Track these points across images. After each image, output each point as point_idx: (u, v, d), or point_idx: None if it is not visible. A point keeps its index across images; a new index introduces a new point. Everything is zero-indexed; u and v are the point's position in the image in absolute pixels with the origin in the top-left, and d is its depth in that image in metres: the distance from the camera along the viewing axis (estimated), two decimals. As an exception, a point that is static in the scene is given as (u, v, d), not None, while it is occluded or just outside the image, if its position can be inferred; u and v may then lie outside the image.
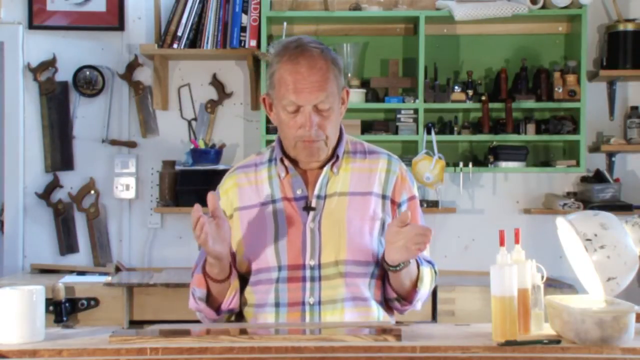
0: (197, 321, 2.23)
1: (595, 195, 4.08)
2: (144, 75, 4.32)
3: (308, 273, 2.12)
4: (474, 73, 4.13)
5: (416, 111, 4.03)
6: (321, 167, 2.18)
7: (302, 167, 2.19)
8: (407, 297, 2.17)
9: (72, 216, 4.30)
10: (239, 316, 2.24)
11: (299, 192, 2.16)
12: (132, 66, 4.29)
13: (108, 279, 3.86)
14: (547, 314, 1.95)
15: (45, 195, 4.28)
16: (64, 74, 4.29)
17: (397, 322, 2.20)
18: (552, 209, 4.11)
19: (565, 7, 4.01)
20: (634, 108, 4.23)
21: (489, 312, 1.89)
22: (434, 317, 3.72)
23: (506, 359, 1.78)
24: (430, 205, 4.10)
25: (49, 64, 4.29)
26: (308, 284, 2.12)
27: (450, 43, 4.25)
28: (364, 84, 4.16)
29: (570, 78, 4.02)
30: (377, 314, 2.17)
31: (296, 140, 2.11)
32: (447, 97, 4.05)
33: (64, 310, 3.63)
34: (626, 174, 4.28)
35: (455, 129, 4.11)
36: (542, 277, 2.02)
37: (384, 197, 2.18)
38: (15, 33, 4.28)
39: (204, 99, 4.33)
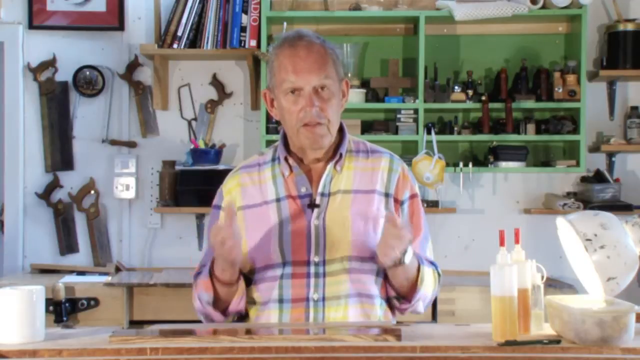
0: (197, 321, 2.23)
1: (595, 195, 4.08)
2: (144, 75, 4.32)
3: (312, 269, 2.13)
4: (474, 73, 4.13)
5: (416, 111, 4.04)
6: (325, 165, 2.19)
7: (307, 160, 2.20)
8: (406, 296, 2.16)
9: (72, 216, 4.30)
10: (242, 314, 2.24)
11: (303, 190, 2.17)
12: (132, 66, 4.29)
13: (108, 279, 3.86)
14: (547, 314, 1.95)
15: (45, 195, 4.28)
16: (64, 74, 4.29)
17: (398, 322, 2.20)
18: (552, 209, 4.11)
19: (565, 7, 4.01)
20: (634, 108, 4.23)
21: (489, 312, 1.89)
22: (434, 317, 3.72)
23: (506, 359, 1.78)
24: (430, 205, 4.10)
25: (49, 64, 4.29)
26: (312, 280, 2.13)
27: (450, 43, 4.25)
28: (364, 84, 4.16)
29: (570, 78, 4.02)
30: (380, 311, 2.17)
31: (298, 125, 2.13)
32: (447, 97, 4.05)
33: (64, 310, 3.63)
34: (626, 174, 4.28)
35: (455, 129, 4.11)
36: (542, 277, 2.02)
37: (387, 195, 2.20)
38: (15, 33, 4.28)
39: (204, 99, 4.33)
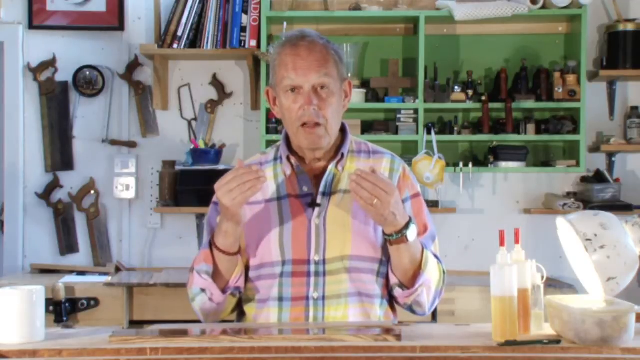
0: (197, 321, 2.23)
1: (595, 195, 4.08)
2: (144, 75, 4.32)
3: (313, 268, 2.13)
4: (474, 73, 4.13)
5: (416, 111, 4.04)
6: (326, 165, 2.19)
7: (307, 159, 2.20)
8: (409, 283, 2.13)
9: (72, 216, 4.30)
10: (240, 313, 2.25)
11: (304, 189, 2.18)
12: (132, 66, 4.29)
13: (108, 279, 3.86)
14: (547, 314, 1.94)
15: (45, 195, 4.28)
16: (64, 74, 4.29)
17: (398, 322, 2.20)
18: (552, 209, 4.11)
19: (565, 7, 4.01)
20: (634, 108, 4.23)
21: (489, 312, 1.89)
22: (434, 317, 3.72)
23: (506, 359, 1.78)
24: (430, 205, 4.08)
25: (49, 64, 4.29)
26: (312, 279, 2.13)
27: (450, 43, 4.25)
28: (364, 84, 4.17)
29: (570, 78, 4.02)
30: (380, 311, 2.17)
31: (298, 125, 2.13)
32: (447, 97, 4.05)
33: (64, 310, 3.63)
34: (626, 174, 4.28)
35: (455, 129, 4.11)
36: (542, 277, 2.02)
37: None
38: (15, 33, 4.28)
39: (204, 99, 4.33)
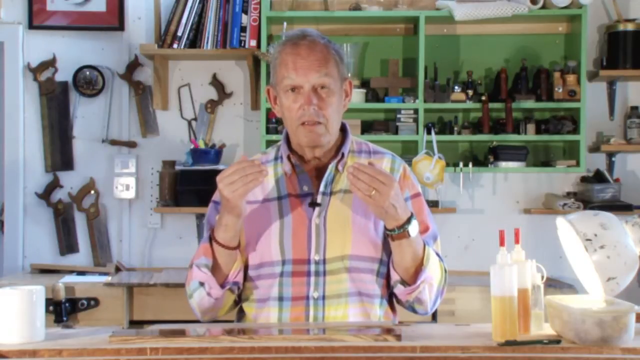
0: (197, 321, 2.23)
1: (595, 195, 4.08)
2: (144, 75, 4.32)
3: (313, 268, 2.13)
4: (474, 73, 4.13)
5: (416, 111, 4.04)
6: (327, 165, 2.19)
7: (307, 159, 2.20)
8: (411, 279, 2.12)
9: (72, 216, 4.30)
10: (240, 312, 2.25)
11: (305, 188, 2.18)
12: (132, 66, 4.29)
13: (108, 279, 3.86)
14: (547, 314, 1.94)
15: (45, 195, 4.28)
16: (64, 74, 4.29)
17: (399, 322, 2.20)
18: (552, 209, 4.12)
19: (565, 7, 4.01)
20: (634, 108, 4.23)
21: (489, 312, 1.89)
22: (434, 317, 3.72)
23: (506, 359, 1.78)
24: (430, 205, 4.06)
25: (49, 64, 4.29)
26: (312, 279, 2.13)
27: (450, 43, 4.25)
28: (364, 84, 4.17)
29: (570, 78, 4.02)
30: (381, 311, 2.17)
31: (297, 124, 2.13)
32: (447, 97, 4.05)
33: (64, 310, 3.63)
34: (626, 174, 4.28)
35: (455, 129, 4.11)
36: (542, 277, 2.02)
37: None
38: (15, 33, 4.28)
39: (204, 99, 4.33)
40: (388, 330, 1.89)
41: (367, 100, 4.08)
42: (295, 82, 2.12)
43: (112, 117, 4.31)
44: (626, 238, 1.92)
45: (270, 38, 4.10)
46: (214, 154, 4.15)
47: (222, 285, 2.13)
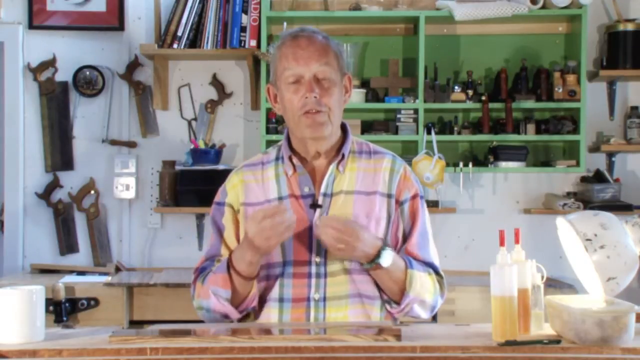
0: (197, 321, 2.22)
1: (595, 195, 4.08)
2: (144, 75, 4.32)
3: (314, 269, 2.13)
4: (474, 73, 4.13)
5: (416, 111, 4.04)
6: (327, 166, 2.19)
7: (308, 155, 2.20)
8: (398, 299, 2.14)
9: (72, 216, 4.30)
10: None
11: (306, 189, 2.18)
12: (132, 66, 4.29)
13: (108, 279, 3.86)
14: (547, 314, 1.94)
15: (45, 195, 4.28)
16: (64, 74, 4.29)
17: (399, 322, 2.20)
18: (552, 209, 4.12)
19: (565, 7, 4.01)
20: (634, 108, 4.23)
21: (489, 312, 1.89)
22: (434, 317, 3.71)
23: (506, 359, 1.78)
24: (430, 205, 4.09)
25: (49, 64, 4.29)
26: (313, 280, 2.13)
27: (450, 43, 4.25)
28: (364, 84, 4.17)
29: (570, 78, 4.02)
30: (381, 312, 2.17)
31: (299, 114, 2.13)
32: (447, 97, 4.05)
33: (64, 310, 3.63)
34: (626, 174, 4.28)
35: (455, 129, 4.11)
36: (542, 277, 2.02)
37: (389, 195, 2.20)
38: (15, 33, 4.28)
39: (204, 99, 4.33)
40: (388, 330, 1.89)
41: (367, 100, 4.08)
42: (296, 72, 2.12)
43: (112, 117, 4.31)
44: (626, 238, 1.92)
45: (270, 38, 4.10)
46: (214, 154, 4.15)
47: (239, 308, 2.13)
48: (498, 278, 1.88)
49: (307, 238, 2.14)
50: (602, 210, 2.01)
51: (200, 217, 4.24)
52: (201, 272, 2.20)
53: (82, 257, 4.30)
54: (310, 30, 2.18)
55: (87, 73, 4.27)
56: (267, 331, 1.96)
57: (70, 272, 4.11)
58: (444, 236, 4.18)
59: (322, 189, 2.17)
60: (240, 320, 2.20)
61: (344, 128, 2.25)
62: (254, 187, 2.22)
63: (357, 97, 4.01)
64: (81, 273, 4.10)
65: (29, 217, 4.31)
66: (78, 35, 4.30)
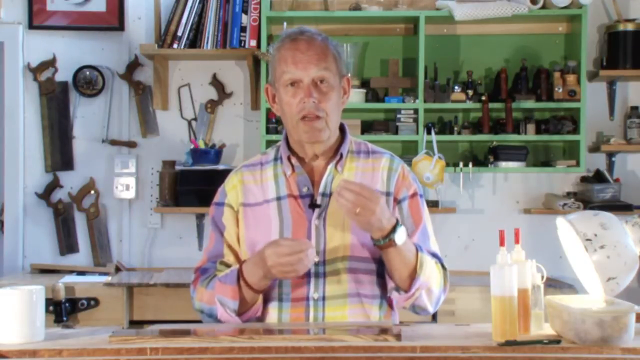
0: (197, 321, 2.23)
1: (595, 195, 4.08)
2: (144, 75, 4.32)
3: (313, 269, 2.13)
4: (474, 73, 4.13)
5: (416, 111, 4.04)
6: (326, 165, 2.19)
7: (306, 156, 2.20)
8: (406, 286, 2.11)
9: (72, 216, 4.30)
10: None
11: (304, 189, 2.18)
12: (132, 66, 4.29)
13: (108, 279, 3.86)
14: (547, 314, 1.94)
15: (45, 195, 4.28)
16: (64, 74, 4.29)
17: (399, 322, 2.20)
18: (552, 209, 4.12)
19: (565, 7, 4.01)
20: (634, 108, 4.23)
21: (489, 312, 1.89)
22: (434, 317, 3.71)
23: (506, 359, 1.78)
24: (430, 205, 4.08)
25: (49, 64, 4.29)
26: (312, 280, 2.13)
27: (450, 43, 4.25)
28: (364, 84, 4.17)
29: (570, 78, 4.02)
30: (381, 311, 2.17)
31: (297, 118, 2.13)
32: (447, 97, 4.05)
33: (64, 310, 3.63)
34: (626, 174, 4.28)
35: (455, 129, 4.11)
36: (542, 277, 2.02)
37: (387, 194, 2.20)
38: (15, 33, 4.28)
39: (204, 99, 4.33)
40: (388, 330, 1.89)
41: (367, 100, 4.08)
42: (294, 76, 2.12)
43: (112, 117, 4.31)
44: (626, 238, 1.92)
45: (270, 38, 4.10)
46: (214, 154, 4.15)
47: (243, 317, 2.13)
48: (498, 278, 1.88)
49: (305, 238, 2.13)
50: (602, 210, 2.01)
51: (200, 217, 4.24)
52: (202, 272, 2.20)
53: (82, 257, 4.30)
54: (310, 32, 2.17)
55: (87, 73, 4.27)
56: (267, 331, 1.96)
57: (70, 272, 4.11)
58: (444, 236, 4.17)
59: (321, 189, 2.18)
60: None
61: (342, 128, 2.26)
62: (253, 188, 2.22)
63: (357, 97, 4.01)
64: (81, 273, 4.10)
65: (29, 217, 4.31)
66: (78, 35, 4.30)
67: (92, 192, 4.28)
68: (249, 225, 2.17)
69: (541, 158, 4.26)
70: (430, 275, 2.12)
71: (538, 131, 4.08)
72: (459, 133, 4.10)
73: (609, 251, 1.88)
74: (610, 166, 4.26)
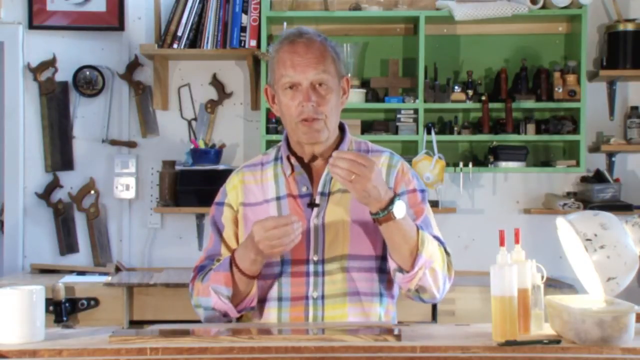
0: (197, 321, 2.23)
1: (595, 195, 4.08)
2: (144, 75, 4.32)
3: (312, 268, 2.13)
4: (474, 73, 4.13)
5: (416, 111, 4.04)
6: (325, 165, 2.19)
7: (306, 156, 2.20)
8: (407, 265, 2.07)
9: (72, 216, 4.30)
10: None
11: (304, 189, 2.19)
12: (132, 66, 4.29)
13: (108, 279, 3.86)
14: (547, 314, 1.94)
15: (45, 195, 4.28)
16: (64, 74, 4.29)
17: (398, 322, 2.20)
18: (552, 209, 4.12)
19: (565, 7, 4.01)
20: (634, 108, 4.23)
21: (489, 312, 1.89)
22: (434, 317, 3.72)
23: (506, 359, 1.78)
24: (430, 205, 4.03)
25: (49, 64, 4.29)
26: (312, 279, 2.14)
27: (450, 43, 4.25)
28: (364, 84, 4.16)
29: (570, 78, 4.02)
30: (380, 310, 2.17)
31: (296, 121, 2.13)
32: (447, 97, 4.05)
33: (64, 310, 3.63)
34: (626, 174, 4.28)
35: (455, 129, 4.11)
36: (542, 277, 2.02)
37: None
38: (15, 33, 4.28)
39: (204, 99, 4.33)
40: (388, 330, 1.89)
41: (367, 100, 4.08)
42: (293, 80, 2.13)
43: (112, 117, 4.31)
44: (626, 238, 1.92)
45: (270, 38, 4.10)
46: (214, 154, 4.15)
47: (238, 308, 2.13)
48: (498, 278, 1.88)
49: (305, 237, 2.13)
50: (602, 210, 2.01)
51: (200, 217, 4.24)
52: (200, 270, 2.21)
53: (82, 257, 4.30)
54: (308, 34, 2.16)
55: (87, 73, 4.27)
56: (267, 331, 1.96)
57: (70, 272, 4.11)
58: (444, 236, 4.14)
59: (320, 188, 2.18)
60: (237, 319, 2.20)
61: (341, 128, 2.26)
62: (253, 188, 2.23)
63: (357, 97, 4.00)
64: (81, 273, 4.10)
65: (29, 217, 4.31)
66: (78, 35, 4.30)
67: (92, 192, 4.29)
68: (249, 225, 2.17)
69: (541, 158, 4.26)
70: (433, 253, 2.09)
71: (538, 131, 4.08)
72: (459, 133, 4.10)
73: (609, 251, 1.88)
74: (610, 166, 4.26)
